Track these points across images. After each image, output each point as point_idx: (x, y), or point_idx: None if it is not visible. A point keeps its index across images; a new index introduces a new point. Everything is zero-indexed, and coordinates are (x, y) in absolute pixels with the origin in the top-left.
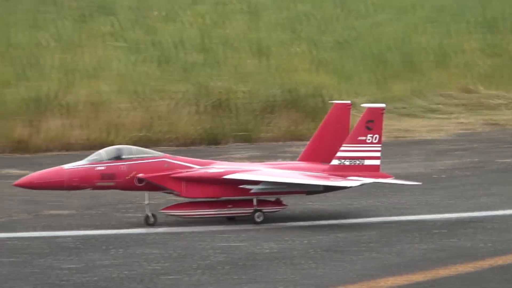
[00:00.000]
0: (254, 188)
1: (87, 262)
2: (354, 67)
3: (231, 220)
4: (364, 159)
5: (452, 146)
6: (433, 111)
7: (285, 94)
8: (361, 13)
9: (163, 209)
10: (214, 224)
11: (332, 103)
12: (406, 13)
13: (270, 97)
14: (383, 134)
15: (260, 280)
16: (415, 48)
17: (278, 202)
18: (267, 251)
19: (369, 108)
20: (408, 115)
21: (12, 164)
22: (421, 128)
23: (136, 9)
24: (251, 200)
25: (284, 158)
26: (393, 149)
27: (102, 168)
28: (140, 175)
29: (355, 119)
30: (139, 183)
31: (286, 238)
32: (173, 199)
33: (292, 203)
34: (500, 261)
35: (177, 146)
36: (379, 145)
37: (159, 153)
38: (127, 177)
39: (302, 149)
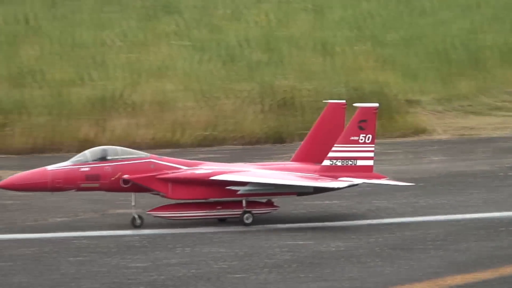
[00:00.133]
0: (241, 189)
1: (153, 261)
2: (418, 65)
3: (222, 221)
4: (356, 159)
5: None
6: (498, 108)
7: (350, 92)
8: (425, 10)
9: (149, 211)
10: (280, 223)
11: (326, 102)
12: (470, 11)
13: (334, 95)
14: (376, 134)
15: (327, 278)
16: (480, 45)
17: (269, 203)
18: (334, 249)
19: (362, 108)
20: (473, 112)
21: None
22: (486, 125)
23: (200, 8)
24: (241, 202)
25: (282, 159)
26: (458, 147)
27: (87, 169)
28: (126, 176)
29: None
30: (125, 184)
31: (353, 237)
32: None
33: (358, 201)
34: None
35: (242, 144)
36: (372, 145)
37: (145, 153)
38: (112, 178)
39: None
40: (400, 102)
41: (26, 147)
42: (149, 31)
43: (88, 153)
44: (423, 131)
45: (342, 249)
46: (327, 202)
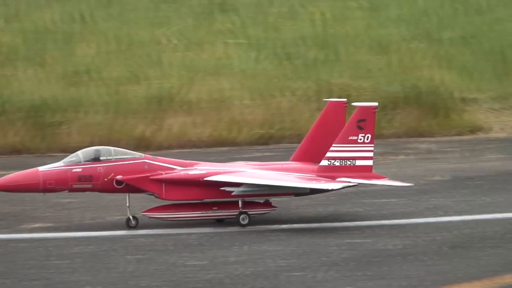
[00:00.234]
0: (236, 190)
1: (211, 259)
2: (475, 63)
3: (219, 222)
4: (355, 159)
5: None
6: None
7: (406, 90)
8: (481, 8)
9: (144, 212)
10: (338, 221)
11: (327, 101)
12: None
13: (391, 94)
14: (375, 134)
15: (385, 277)
16: None
17: (266, 204)
18: (391, 247)
19: (361, 107)
20: None
21: None
22: None
23: (256, 6)
24: (237, 202)
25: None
26: None
27: (79, 170)
28: (119, 177)
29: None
30: (118, 185)
31: (410, 235)
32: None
33: (416, 199)
34: None
35: (298, 143)
36: (372, 145)
37: (140, 154)
38: (105, 179)
39: (428, 145)
40: (456, 101)
41: (83, 145)
42: (205, 29)
43: (80, 154)
44: (479, 129)
45: (399, 247)
46: (384, 200)
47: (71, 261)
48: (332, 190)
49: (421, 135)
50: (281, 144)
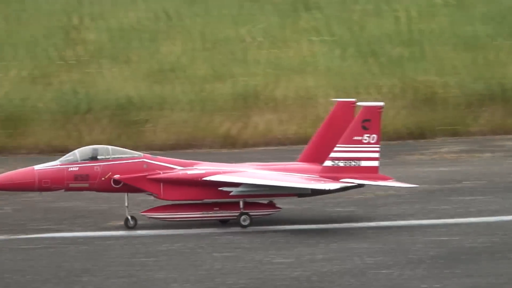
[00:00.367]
0: (234, 190)
1: (298, 257)
2: None
3: (224, 223)
4: (360, 160)
5: None
6: None
7: (493, 87)
8: None
9: (143, 212)
10: (424, 219)
11: (335, 101)
12: None
13: (476, 91)
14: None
15: (472, 274)
16: None
17: (269, 205)
18: (479, 245)
19: (366, 107)
20: None
21: (219, 159)
22: None
23: (340, 3)
24: (238, 203)
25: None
26: None
27: (75, 169)
28: (116, 176)
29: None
30: (116, 184)
31: (498, 232)
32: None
33: (503, 197)
34: None
35: (384, 140)
36: (377, 146)
37: (139, 153)
38: (102, 178)
39: (505, 143)
40: None
41: (168, 143)
42: (289, 27)
43: (77, 153)
44: None
45: (487, 245)
46: (470, 198)
47: (158, 258)
48: (330, 190)
49: (507, 132)
50: None
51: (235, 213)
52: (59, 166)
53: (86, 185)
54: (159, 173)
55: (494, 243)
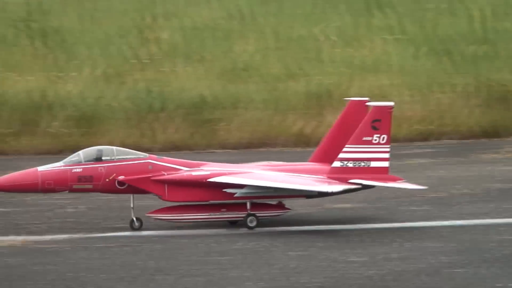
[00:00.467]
0: (238, 191)
1: (372, 256)
2: None
3: (233, 224)
4: (370, 160)
5: None
6: None
7: None
8: None
9: (149, 213)
10: (498, 217)
11: (348, 100)
12: None
13: None
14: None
15: None
16: None
17: (277, 206)
18: None
19: (376, 107)
20: None
21: (293, 158)
22: None
23: (413, 2)
24: (245, 204)
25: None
26: None
27: (79, 170)
28: (121, 177)
29: None
30: (120, 186)
31: None
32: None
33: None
34: None
35: (458, 139)
36: (388, 146)
37: (144, 154)
38: (107, 180)
39: None
40: None
41: (242, 142)
42: (362, 26)
43: (82, 154)
44: None
45: None
46: None
47: (232, 257)
48: (333, 193)
49: None
50: (441, 141)
51: (242, 214)
52: (62, 167)
53: (90, 186)
54: (164, 174)
55: None
